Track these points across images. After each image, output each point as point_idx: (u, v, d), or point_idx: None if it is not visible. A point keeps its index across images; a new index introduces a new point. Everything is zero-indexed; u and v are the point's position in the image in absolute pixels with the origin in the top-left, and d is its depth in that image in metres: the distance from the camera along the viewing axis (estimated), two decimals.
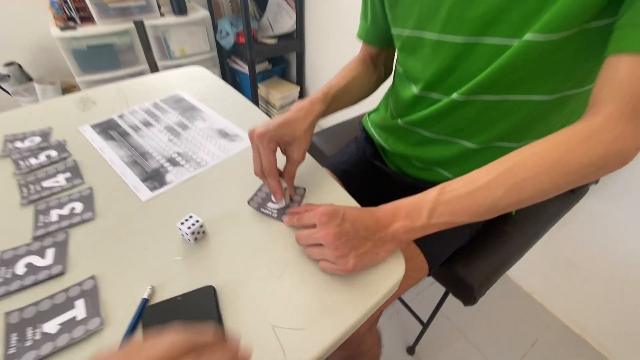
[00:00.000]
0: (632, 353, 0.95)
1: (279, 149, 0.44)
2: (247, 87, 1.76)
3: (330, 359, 0.37)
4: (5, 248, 0.38)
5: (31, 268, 0.36)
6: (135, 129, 0.58)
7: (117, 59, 1.50)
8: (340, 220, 0.35)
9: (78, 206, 0.44)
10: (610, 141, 0.31)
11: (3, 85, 1.47)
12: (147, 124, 0.59)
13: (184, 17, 1.52)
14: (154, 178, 0.48)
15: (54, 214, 0.43)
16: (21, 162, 0.50)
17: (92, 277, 0.36)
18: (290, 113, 0.44)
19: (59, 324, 0.32)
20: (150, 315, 0.32)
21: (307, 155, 0.53)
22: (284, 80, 1.90)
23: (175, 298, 0.33)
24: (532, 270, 1.13)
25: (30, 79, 1.55)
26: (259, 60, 1.77)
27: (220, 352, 0.19)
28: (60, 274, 0.36)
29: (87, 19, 1.39)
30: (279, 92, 1.77)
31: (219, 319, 0.32)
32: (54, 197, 0.45)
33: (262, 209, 0.44)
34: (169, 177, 0.48)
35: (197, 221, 0.39)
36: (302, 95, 1.86)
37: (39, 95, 1.50)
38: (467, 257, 0.63)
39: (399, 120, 0.55)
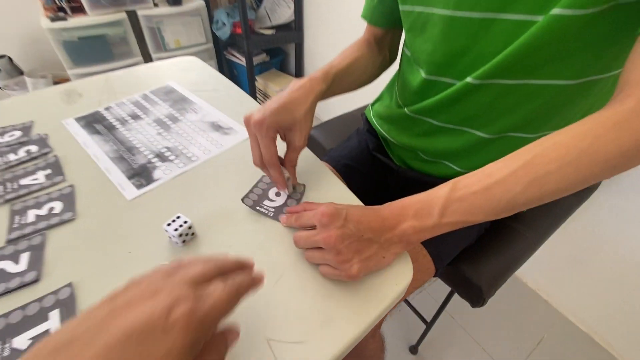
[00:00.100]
0: None
1: (278, 136, 0.40)
2: (245, 79, 1.72)
3: None
4: None
5: (2, 275, 0.33)
6: (123, 122, 0.54)
7: (110, 51, 1.45)
8: (342, 221, 0.32)
9: (57, 206, 0.40)
10: None
11: None
12: (135, 117, 0.55)
13: (179, 7, 1.47)
14: (141, 175, 0.45)
15: (31, 215, 0.39)
16: None
17: (69, 285, 0.32)
18: (288, 93, 0.40)
19: (31, 339, 0.29)
20: None
21: (306, 149, 0.49)
22: (282, 72, 1.86)
23: None
24: (537, 267, 1.10)
25: (21, 73, 1.51)
26: (257, 51, 1.73)
27: (241, 276, 0.23)
28: (35, 281, 0.33)
29: (78, 9, 1.34)
30: (277, 85, 1.73)
31: None
32: (32, 196, 0.42)
33: (258, 208, 0.40)
34: (157, 174, 0.45)
35: (185, 222, 0.36)
36: None
37: (30, 89, 1.46)
38: (474, 256, 0.60)
39: (406, 109, 0.51)
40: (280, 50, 1.87)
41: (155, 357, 0.17)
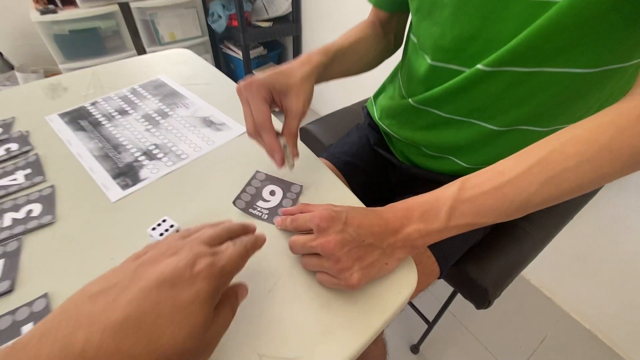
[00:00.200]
0: None
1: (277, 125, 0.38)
2: (242, 73, 1.68)
3: None
4: None
5: None
6: (109, 118, 0.51)
7: (103, 44, 1.42)
8: (341, 225, 0.29)
9: (36, 208, 0.38)
10: None
11: None
12: (122, 113, 0.52)
13: None
14: (127, 174, 0.42)
15: (8, 218, 0.37)
16: None
17: (45, 296, 0.30)
18: (284, 64, 0.39)
19: None
20: None
21: (303, 146, 0.46)
22: (280, 66, 1.82)
23: None
24: (540, 264, 1.08)
25: (12, 68, 1.47)
26: (253, 45, 1.69)
27: (247, 237, 0.26)
28: (8, 291, 0.30)
29: (69, 1, 1.30)
30: None
31: None
32: (9, 197, 0.39)
33: (250, 210, 0.38)
34: (143, 173, 0.42)
35: (172, 226, 0.33)
36: None
37: (21, 85, 1.42)
38: (479, 256, 0.57)
39: (410, 100, 0.48)
40: (278, 43, 1.83)
41: (185, 300, 0.19)
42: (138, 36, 1.45)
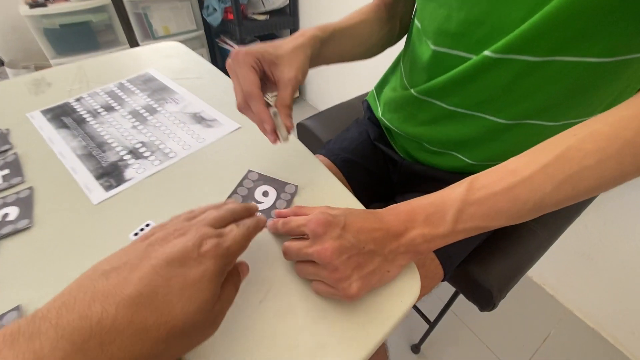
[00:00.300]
0: None
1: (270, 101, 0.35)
2: None
3: None
4: None
5: None
6: (94, 114, 0.49)
7: (95, 39, 1.38)
8: (339, 231, 0.27)
9: (13, 212, 0.35)
10: None
11: None
12: (108, 109, 0.50)
13: None
14: (111, 174, 0.39)
15: None
16: None
17: (17, 309, 0.27)
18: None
19: None
20: None
21: (299, 143, 0.44)
22: None
23: None
24: (543, 261, 1.05)
25: (2, 63, 1.44)
26: (250, 38, 1.65)
27: (249, 220, 0.27)
28: None
29: None
30: None
31: None
32: None
33: None
34: (128, 173, 0.39)
35: None
36: None
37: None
38: (483, 256, 0.55)
39: (412, 90, 0.46)
40: (275, 36, 1.79)
41: (194, 277, 0.20)
42: (131, 30, 1.41)
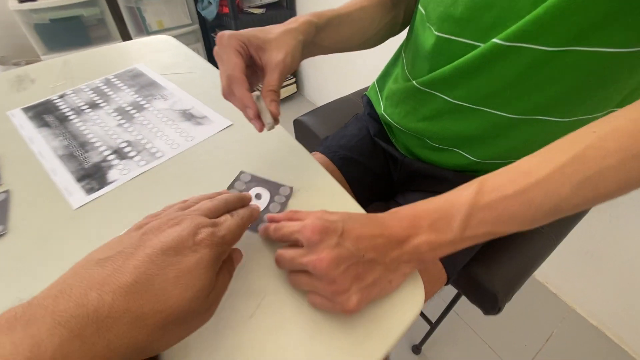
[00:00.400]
0: None
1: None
2: None
3: None
4: None
5: None
6: (78, 112, 0.46)
7: (87, 34, 1.35)
8: (336, 238, 0.25)
9: None
10: None
11: None
12: (93, 106, 0.47)
13: None
14: (93, 176, 0.37)
15: None
16: None
17: None
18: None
19: None
20: None
21: (295, 142, 0.41)
22: None
23: None
24: (546, 259, 1.04)
25: None
26: None
27: (243, 210, 0.27)
28: None
29: None
30: None
31: None
32: None
33: None
34: (112, 175, 0.37)
35: None
36: (294, 70, 1.71)
37: None
38: (488, 257, 0.53)
39: (414, 82, 0.43)
40: None
41: (189, 265, 0.20)
42: (124, 25, 1.37)
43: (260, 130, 0.33)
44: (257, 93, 0.32)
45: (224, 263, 0.24)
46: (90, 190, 0.35)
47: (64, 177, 0.37)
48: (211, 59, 1.41)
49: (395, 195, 0.58)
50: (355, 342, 0.25)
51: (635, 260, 0.84)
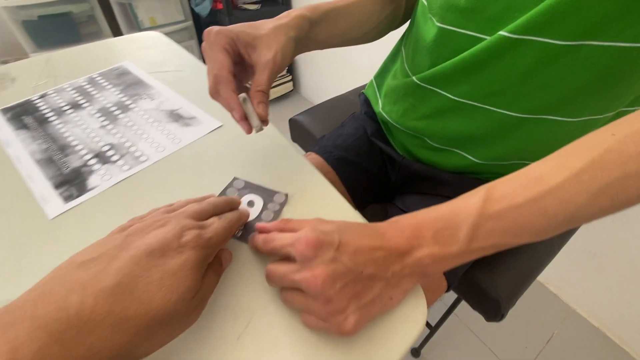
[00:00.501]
0: None
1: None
2: None
3: None
4: None
5: None
6: (59, 113, 0.43)
7: (77, 31, 1.31)
8: (332, 252, 0.22)
9: None
10: None
11: None
12: (75, 106, 0.44)
13: None
14: (72, 182, 0.34)
15: None
16: None
17: None
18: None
19: None
20: None
21: (288, 144, 0.39)
22: None
23: None
24: None
25: None
26: None
27: (231, 214, 0.27)
28: None
29: None
30: None
31: None
32: None
33: None
34: (93, 181, 0.35)
35: None
36: (290, 68, 1.69)
37: None
38: (490, 263, 0.51)
39: (414, 78, 0.41)
40: None
41: (174, 267, 0.20)
42: (115, 21, 1.34)
43: (248, 132, 0.31)
44: (243, 95, 0.30)
45: (211, 265, 0.24)
46: (68, 198, 0.33)
47: (41, 184, 0.34)
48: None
49: (393, 197, 0.56)
50: None
51: (636, 260, 0.82)
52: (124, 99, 0.46)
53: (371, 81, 0.57)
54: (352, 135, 0.57)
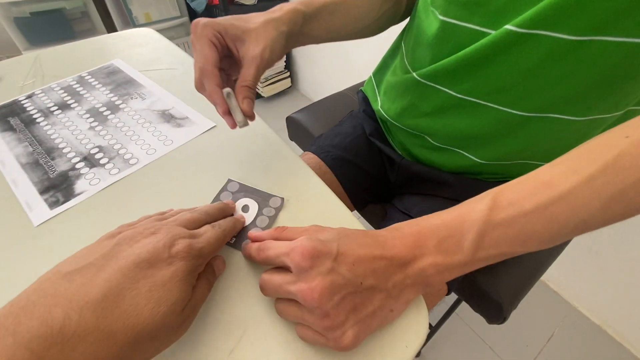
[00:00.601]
0: None
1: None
2: None
3: None
4: None
5: None
6: (46, 114, 0.42)
7: (70, 28, 1.29)
8: (330, 263, 0.21)
9: None
10: None
11: None
12: (63, 107, 0.43)
13: None
14: (59, 187, 0.33)
15: None
16: None
17: None
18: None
19: None
20: None
21: (284, 144, 0.38)
22: None
23: None
24: None
25: None
26: None
27: (225, 222, 0.26)
28: None
29: None
30: None
31: None
32: None
33: None
34: (80, 185, 0.33)
35: None
36: (288, 64, 1.66)
37: None
38: (492, 264, 0.50)
39: (415, 74, 0.39)
40: None
41: (163, 278, 0.19)
42: (109, 17, 1.32)
43: (232, 127, 0.31)
44: (228, 89, 0.30)
45: (202, 273, 0.23)
46: (54, 204, 0.31)
47: (25, 189, 0.33)
48: None
49: (392, 198, 0.55)
50: None
51: (638, 257, 0.82)
52: (114, 98, 0.44)
53: (370, 78, 0.56)
54: (350, 134, 0.55)
